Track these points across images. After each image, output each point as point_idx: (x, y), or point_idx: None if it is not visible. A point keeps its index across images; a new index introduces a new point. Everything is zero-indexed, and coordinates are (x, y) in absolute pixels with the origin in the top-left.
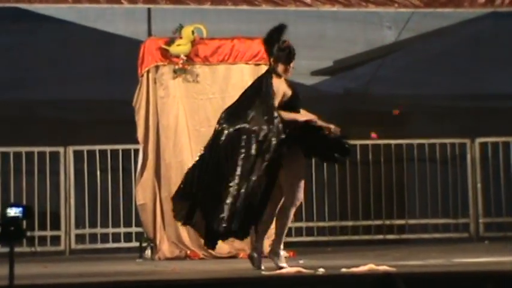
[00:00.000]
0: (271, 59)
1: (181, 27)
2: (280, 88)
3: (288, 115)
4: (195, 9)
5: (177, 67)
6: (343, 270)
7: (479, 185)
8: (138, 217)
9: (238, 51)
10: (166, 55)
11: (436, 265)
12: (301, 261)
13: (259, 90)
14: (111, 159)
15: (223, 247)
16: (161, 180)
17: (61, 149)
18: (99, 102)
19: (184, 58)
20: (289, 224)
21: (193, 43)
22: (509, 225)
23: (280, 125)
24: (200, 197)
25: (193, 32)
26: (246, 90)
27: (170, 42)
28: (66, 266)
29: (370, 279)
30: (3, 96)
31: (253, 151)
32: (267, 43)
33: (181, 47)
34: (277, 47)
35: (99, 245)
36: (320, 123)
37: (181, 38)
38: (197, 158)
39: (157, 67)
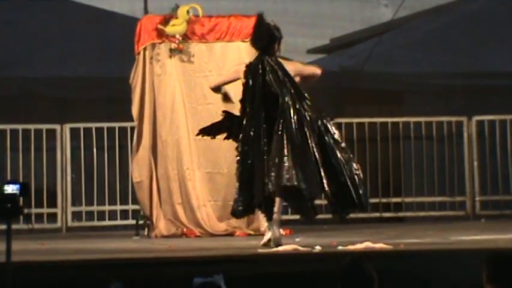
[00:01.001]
0: (277, 45)
1: (177, 7)
2: None
3: None
4: None
5: (172, 47)
6: (339, 248)
7: (475, 163)
8: (134, 195)
9: (235, 29)
10: (162, 34)
11: (433, 243)
12: (297, 239)
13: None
14: (108, 137)
15: (219, 225)
16: (157, 158)
17: (57, 127)
18: (96, 79)
19: (180, 38)
20: None
21: (189, 22)
22: (506, 203)
23: None
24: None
25: (188, 12)
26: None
27: (166, 21)
28: (62, 243)
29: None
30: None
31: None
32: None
33: (176, 27)
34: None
35: (96, 223)
36: None
37: (177, 18)
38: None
39: (153, 45)
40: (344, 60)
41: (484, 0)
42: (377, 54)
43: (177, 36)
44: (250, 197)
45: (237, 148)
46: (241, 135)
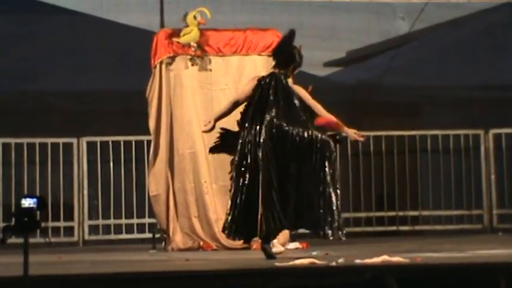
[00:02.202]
0: (292, 67)
1: (186, 14)
2: None
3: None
4: (207, 1)
5: (190, 56)
6: (357, 261)
7: (493, 177)
8: (151, 208)
9: (251, 43)
10: (179, 46)
11: (450, 257)
12: (314, 253)
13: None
14: (124, 150)
15: None
16: (174, 171)
17: (74, 140)
18: (112, 93)
19: (195, 45)
20: None
21: (200, 28)
22: None
23: None
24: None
25: (195, 17)
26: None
27: (179, 33)
28: (79, 257)
29: (367, 277)
30: (17, 88)
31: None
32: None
33: (187, 36)
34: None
35: (113, 236)
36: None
37: (187, 26)
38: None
39: (170, 58)
40: (361, 73)
41: (501, 12)
42: (394, 67)
43: (192, 43)
44: (246, 222)
45: (232, 162)
46: (238, 150)
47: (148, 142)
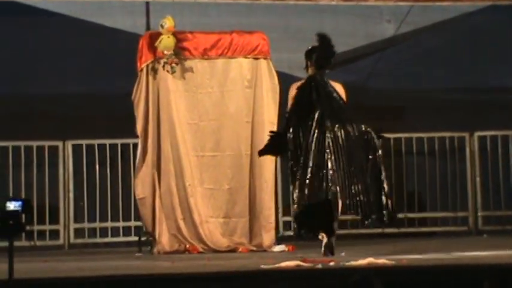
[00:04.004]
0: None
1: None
2: None
3: None
4: (193, 3)
5: (163, 62)
6: (342, 263)
7: (478, 179)
8: (137, 211)
9: (237, 45)
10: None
11: (435, 258)
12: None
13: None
14: (110, 153)
15: (222, 241)
16: (161, 174)
17: (60, 144)
18: (98, 96)
19: (168, 53)
20: None
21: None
22: (508, 218)
23: None
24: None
25: (162, 26)
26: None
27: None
28: (65, 260)
29: (353, 278)
30: (2, 91)
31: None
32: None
33: (159, 44)
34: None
35: (98, 239)
36: None
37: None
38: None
39: (155, 61)
40: (347, 76)
41: (486, 15)
42: (380, 69)
43: (165, 52)
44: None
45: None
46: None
47: (134, 145)
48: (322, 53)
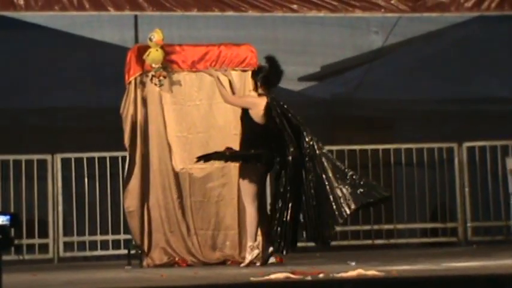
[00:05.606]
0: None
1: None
2: None
3: None
4: (181, 16)
5: (150, 75)
6: (332, 275)
7: (467, 189)
8: (126, 224)
9: (225, 57)
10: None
11: (425, 269)
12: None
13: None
14: (99, 166)
15: (211, 253)
16: (149, 187)
17: (48, 157)
18: (87, 109)
19: (155, 66)
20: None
21: (165, 49)
22: (497, 229)
23: None
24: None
25: (150, 39)
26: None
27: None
28: (54, 274)
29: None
30: None
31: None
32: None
33: (147, 57)
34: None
35: (88, 253)
36: None
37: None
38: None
39: (143, 74)
40: (335, 88)
41: (474, 26)
42: (368, 81)
43: (153, 65)
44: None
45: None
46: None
47: (123, 158)
48: (270, 73)
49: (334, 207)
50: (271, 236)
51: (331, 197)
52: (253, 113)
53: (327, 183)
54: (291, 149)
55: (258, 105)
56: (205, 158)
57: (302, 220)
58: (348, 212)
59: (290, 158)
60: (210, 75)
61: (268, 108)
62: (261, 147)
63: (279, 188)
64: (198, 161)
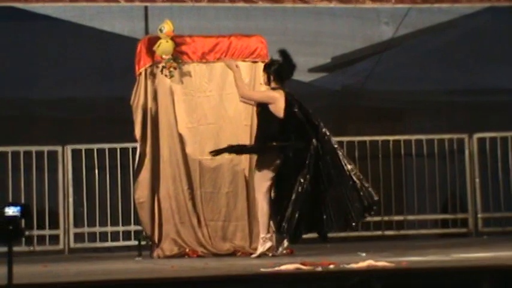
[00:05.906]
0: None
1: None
2: None
3: None
4: (192, 7)
5: (161, 66)
6: (342, 266)
7: (477, 180)
8: (136, 215)
9: (236, 49)
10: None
11: (435, 260)
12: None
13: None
14: (109, 157)
15: (221, 244)
16: (159, 178)
17: (59, 148)
18: (97, 100)
19: (166, 58)
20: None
21: (175, 40)
22: (508, 220)
23: None
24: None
25: (161, 30)
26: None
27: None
28: (65, 265)
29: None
30: (1, 96)
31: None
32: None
33: (157, 49)
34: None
35: (98, 244)
36: None
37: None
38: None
39: (154, 65)
40: (346, 79)
41: (484, 17)
42: (378, 72)
43: (163, 56)
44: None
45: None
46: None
47: (133, 149)
48: (283, 66)
49: (361, 193)
50: (282, 227)
51: (357, 183)
52: (274, 107)
53: (348, 173)
54: (313, 141)
55: (279, 99)
56: (218, 152)
57: (324, 215)
58: (376, 198)
59: (312, 149)
60: (229, 67)
61: (288, 102)
62: (282, 141)
63: (299, 178)
64: (214, 155)
